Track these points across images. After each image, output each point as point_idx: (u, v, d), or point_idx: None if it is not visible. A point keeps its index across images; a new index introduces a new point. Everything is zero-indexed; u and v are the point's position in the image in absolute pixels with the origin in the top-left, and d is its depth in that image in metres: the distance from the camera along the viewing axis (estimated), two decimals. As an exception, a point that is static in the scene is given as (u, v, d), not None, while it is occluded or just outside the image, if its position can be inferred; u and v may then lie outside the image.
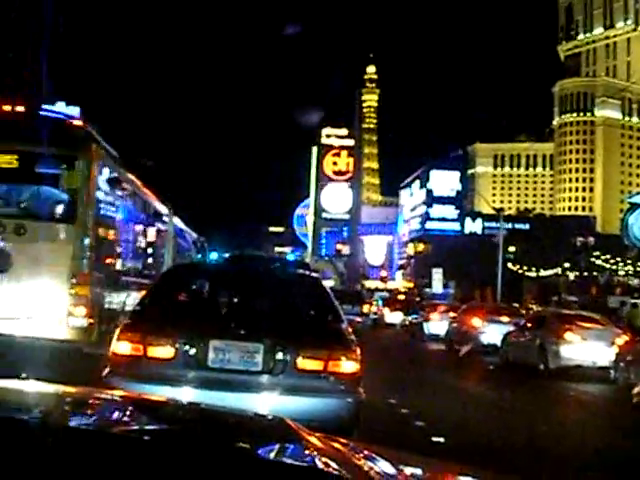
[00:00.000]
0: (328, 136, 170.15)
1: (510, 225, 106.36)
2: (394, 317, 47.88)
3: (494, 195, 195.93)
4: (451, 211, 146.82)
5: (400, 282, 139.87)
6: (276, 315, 7.93)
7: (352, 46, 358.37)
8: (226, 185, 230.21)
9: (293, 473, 1.64)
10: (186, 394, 6.70)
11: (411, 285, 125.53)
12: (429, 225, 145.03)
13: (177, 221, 26.02)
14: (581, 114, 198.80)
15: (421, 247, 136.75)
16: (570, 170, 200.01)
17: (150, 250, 20.41)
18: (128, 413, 2.34)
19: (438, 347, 30.25)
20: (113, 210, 15.88)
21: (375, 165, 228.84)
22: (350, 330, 7.86)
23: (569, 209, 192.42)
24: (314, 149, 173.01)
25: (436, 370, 21.28)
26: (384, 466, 2.01)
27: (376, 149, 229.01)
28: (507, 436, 9.78)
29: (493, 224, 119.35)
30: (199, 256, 28.78)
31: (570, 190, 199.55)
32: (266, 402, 6.77)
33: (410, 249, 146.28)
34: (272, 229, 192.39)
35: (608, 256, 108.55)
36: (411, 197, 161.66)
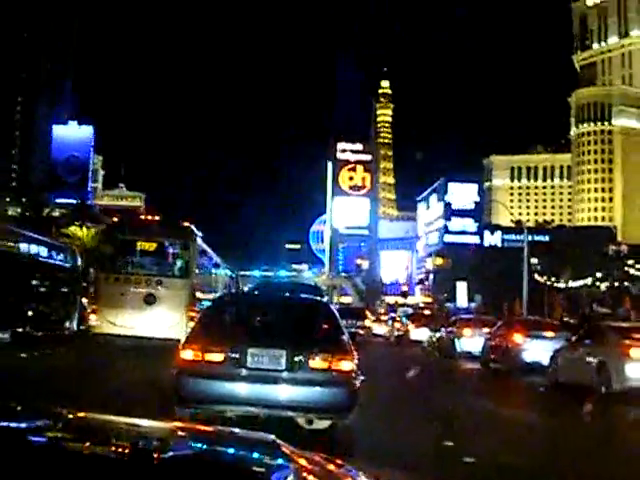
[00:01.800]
0: (343, 151, 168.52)
1: (530, 237, 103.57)
2: (420, 333, 45.03)
3: (512, 207, 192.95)
4: (470, 224, 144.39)
5: (419, 297, 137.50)
6: (295, 330, 10.54)
7: (364, 61, 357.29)
8: (242, 204, 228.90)
9: None
10: (233, 386, 9.27)
11: (430, 300, 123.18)
12: (448, 238, 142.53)
13: (226, 266, 40.01)
14: (598, 123, 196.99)
15: (440, 261, 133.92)
16: (589, 180, 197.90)
17: (213, 284, 33.74)
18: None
19: (473, 366, 27.62)
20: (201, 268, 28.12)
21: (391, 180, 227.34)
22: (349, 339, 10.37)
23: (589, 219, 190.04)
24: (329, 164, 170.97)
25: (483, 397, 18.21)
26: None
27: (391, 164, 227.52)
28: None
29: (512, 237, 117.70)
30: (234, 285, 42.06)
31: (589, 200, 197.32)
32: (288, 391, 9.24)
33: (429, 263, 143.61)
34: (289, 246, 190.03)
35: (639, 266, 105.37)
36: (428, 210, 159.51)
